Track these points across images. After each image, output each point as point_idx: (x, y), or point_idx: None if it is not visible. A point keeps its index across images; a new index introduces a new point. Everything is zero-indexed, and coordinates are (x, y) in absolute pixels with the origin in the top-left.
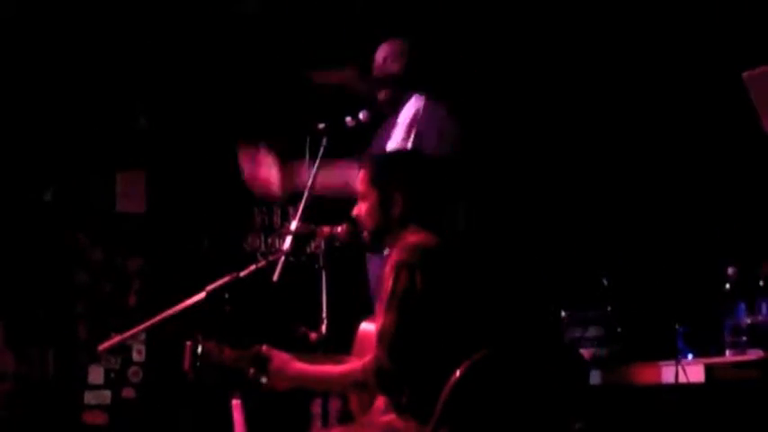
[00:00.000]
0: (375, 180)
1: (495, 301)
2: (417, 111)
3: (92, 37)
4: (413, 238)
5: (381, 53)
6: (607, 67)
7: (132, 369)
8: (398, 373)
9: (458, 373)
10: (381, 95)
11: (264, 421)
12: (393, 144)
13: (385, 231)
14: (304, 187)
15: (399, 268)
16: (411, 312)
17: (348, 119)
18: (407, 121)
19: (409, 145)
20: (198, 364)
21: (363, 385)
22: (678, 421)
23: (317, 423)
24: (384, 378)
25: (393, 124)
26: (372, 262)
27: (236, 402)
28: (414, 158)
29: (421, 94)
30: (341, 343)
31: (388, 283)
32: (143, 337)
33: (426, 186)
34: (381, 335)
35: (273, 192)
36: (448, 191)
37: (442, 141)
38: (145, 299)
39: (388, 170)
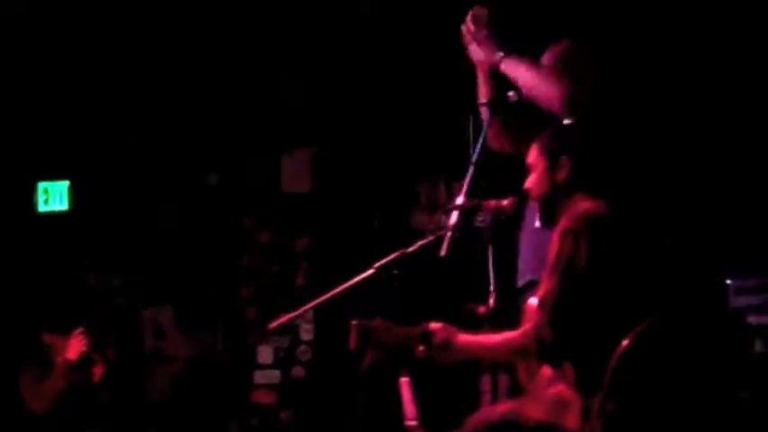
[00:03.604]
0: (544, 148)
1: (660, 269)
2: None
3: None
4: (581, 205)
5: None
6: None
7: (301, 348)
8: (559, 341)
9: (625, 342)
10: None
11: (433, 399)
12: None
13: (552, 199)
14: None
15: (564, 235)
16: (574, 280)
17: (510, 93)
18: None
19: None
20: (365, 342)
21: (524, 352)
22: None
23: (487, 398)
24: (544, 346)
25: None
26: (526, 235)
27: (404, 380)
28: (584, 126)
29: None
30: (509, 318)
31: (553, 250)
32: (311, 316)
33: (594, 152)
34: (543, 301)
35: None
36: (620, 158)
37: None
38: (313, 279)
39: (556, 137)
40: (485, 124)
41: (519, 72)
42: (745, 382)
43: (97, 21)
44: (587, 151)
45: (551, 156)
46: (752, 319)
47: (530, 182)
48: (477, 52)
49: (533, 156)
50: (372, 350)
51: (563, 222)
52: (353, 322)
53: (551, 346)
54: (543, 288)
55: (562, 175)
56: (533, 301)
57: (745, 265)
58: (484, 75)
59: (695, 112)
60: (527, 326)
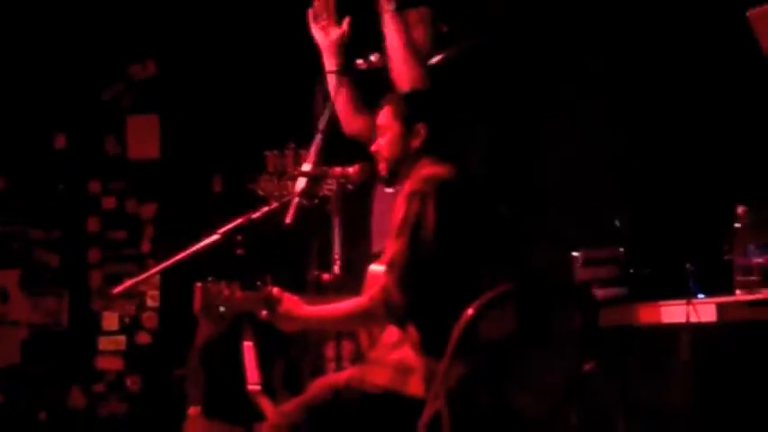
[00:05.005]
0: (399, 113)
1: (507, 236)
2: None
3: None
4: (427, 169)
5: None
6: None
7: (147, 314)
8: (407, 303)
9: (470, 311)
10: None
11: (276, 364)
12: None
13: (402, 163)
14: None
15: (411, 197)
16: (422, 241)
17: (359, 61)
18: None
19: None
20: (208, 305)
21: (372, 316)
22: (690, 360)
23: (331, 365)
24: (393, 306)
25: None
26: (379, 201)
27: (247, 344)
28: (439, 94)
29: None
30: (353, 285)
31: (400, 212)
32: (158, 282)
33: (448, 120)
34: (391, 263)
35: None
36: (469, 123)
37: None
38: (159, 244)
39: (412, 103)
40: (332, 92)
41: None
42: (590, 354)
43: None
44: (442, 120)
45: (407, 121)
46: (598, 292)
47: (380, 143)
48: (319, 35)
49: (385, 118)
50: (212, 316)
51: (409, 185)
52: (197, 285)
53: (400, 308)
54: (390, 250)
55: (416, 141)
56: (374, 267)
57: (593, 236)
58: (327, 50)
59: (544, 85)
60: (373, 290)
